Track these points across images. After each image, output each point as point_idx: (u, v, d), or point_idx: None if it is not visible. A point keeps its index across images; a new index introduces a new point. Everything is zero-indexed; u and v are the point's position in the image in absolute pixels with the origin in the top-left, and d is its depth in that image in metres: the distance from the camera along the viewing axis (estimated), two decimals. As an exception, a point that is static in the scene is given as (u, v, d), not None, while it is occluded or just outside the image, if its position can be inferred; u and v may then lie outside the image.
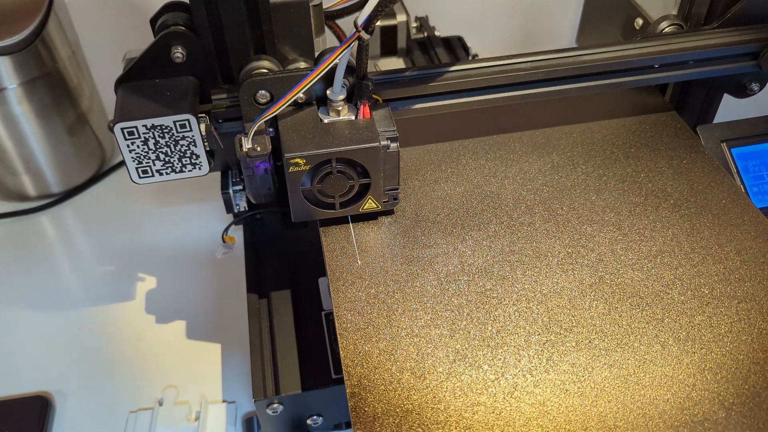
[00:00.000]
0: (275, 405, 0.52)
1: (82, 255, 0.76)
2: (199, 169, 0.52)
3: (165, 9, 0.53)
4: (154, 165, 0.51)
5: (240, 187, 0.60)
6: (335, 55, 0.47)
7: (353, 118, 0.50)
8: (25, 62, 0.71)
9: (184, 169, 0.52)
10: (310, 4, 0.55)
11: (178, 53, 0.50)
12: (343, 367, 0.44)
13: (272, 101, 0.50)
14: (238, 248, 0.66)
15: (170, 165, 0.52)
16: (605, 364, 0.43)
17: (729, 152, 0.60)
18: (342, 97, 0.50)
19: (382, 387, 0.42)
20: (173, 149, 0.51)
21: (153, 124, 0.49)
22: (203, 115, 0.51)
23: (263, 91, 0.50)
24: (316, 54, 0.56)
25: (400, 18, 0.80)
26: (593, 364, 0.43)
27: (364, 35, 0.46)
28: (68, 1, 0.78)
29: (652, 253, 0.50)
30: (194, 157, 0.51)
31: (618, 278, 0.48)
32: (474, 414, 0.41)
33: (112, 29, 0.83)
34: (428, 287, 0.48)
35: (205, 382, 0.62)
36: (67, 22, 0.76)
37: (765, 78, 0.60)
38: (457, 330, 0.45)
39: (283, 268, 0.61)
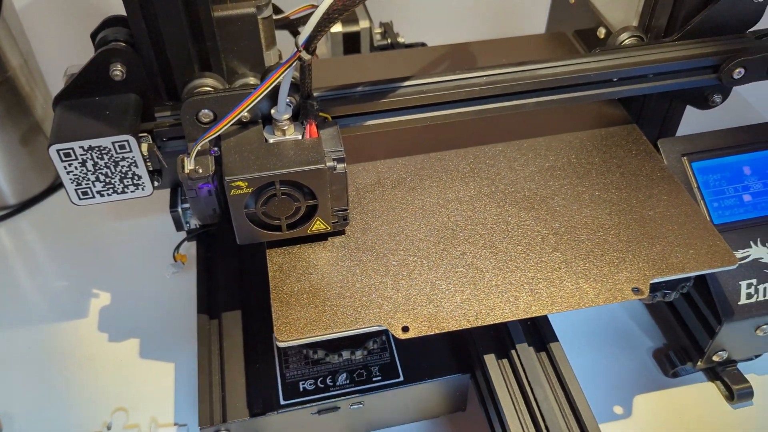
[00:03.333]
0: None
1: (36, 269, 0.74)
2: (142, 189, 0.51)
3: (105, 24, 0.51)
4: (94, 186, 0.50)
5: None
6: (276, 75, 0.45)
7: (299, 137, 0.49)
8: (-27, 72, 0.68)
9: (126, 190, 0.50)
10: (259, 17, 0.53)
11: (117, 71, 0.49)
12: (267, 256, 0.50)
13: (216, 120, 0.49)
14: (194, 262, 0.65)
15: (111, 186, 0.50)
16: (491, 252, 0.51)
17: (689, 166, 0.59)
18: (287, 116, 0.48)
19: (300, 271, 0.49)
20: (113, 170, 0.49)
21: (90, 146, 0.47)
22: (145, 134, 0.50)
23: (206, 111, 0.48)
24: (266, 65, 0.54)
25: (363, 24, 0.79)
26: (480, 252, 0.51)
27: (305, 55, 0.44)
28: (19, 9, 0.76)
29: (545, 167, 0.57)
30: (136, 177, 0.50)
31: (511, 187, 0.56)
32: (376, 290, 0.48)
33: (66, 37, 0.81)
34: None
35: (156, 404, 0.60)
36: (18, 30, 0.74)
37: (727, 90, 0.59)
38: (368, 229, 0.52)
39: (236, 286, 0.60)
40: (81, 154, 0.47)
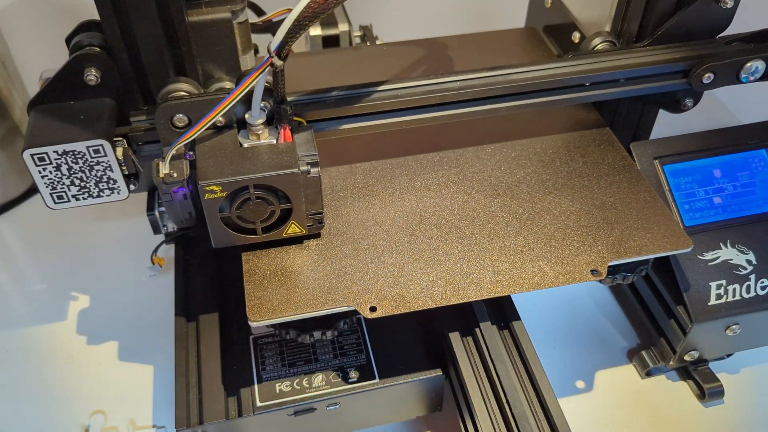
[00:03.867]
0: (199, 433, 0.52)
1: (15, 272, 0.74)
2: (118, 193, 0.51)
3: (79, 29, 0.51)
4: (69, 190, 0.50)
5: (166, 208, 0.59)
6: (249, 81, 0.46)
7: (274, 141, 0.49)
8: (-51, 75, 0.68)
9: (101, 194, 0.51)
10: (234, 22, 0.54)
11: (92, 75, 0.49)
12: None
13: (190, 125, 0.49)
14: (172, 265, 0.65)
15: (86, 190, 0.50)
16: (457, 236, 0.53)
17: (661, 169, 0.60)
18: (261, 121, 0.49)
19: (272, 255, 0.51)
20: (88, 174, 0.49)
21: (65, 150, 0.47)
22: (120, 138, 0.50)
23: (181, 115, 0.49)
24: (242, 69, 0.54)
25: (342, 27, 0.79)
26: (446, 237, 0.53)
27: (277, 61, 0.45)
28: (-3, 10, 0.75)
29: (511, 156, 0.59)
30: (111, 181, 0.50)
31: (478, 175, 0.57)
32: (345, 273, 0.50)
33: (44, 38, 0.80)
34: None
35: (134, 406, 0.61)
36: (-5, 33, 0.74)
37: (698, 94, 0.60)
38: (339, 215, 0.54)
39: (214, 289, 0.60)
40: (55, 159, 0.48)
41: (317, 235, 0.53)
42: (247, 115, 0.49)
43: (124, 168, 0.50)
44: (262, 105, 0.48)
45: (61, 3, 0.84)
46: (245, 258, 0.51)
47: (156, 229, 0.59)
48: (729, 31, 0.59)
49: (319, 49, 0.78)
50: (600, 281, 0.52)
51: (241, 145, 0.49)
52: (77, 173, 0.49)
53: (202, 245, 0.64)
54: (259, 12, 0.68)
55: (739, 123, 0.86)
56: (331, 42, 0.79)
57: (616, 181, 0.57)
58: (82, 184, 0.49)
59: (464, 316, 0.56)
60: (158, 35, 0.49)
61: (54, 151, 0.47)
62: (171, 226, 0.60)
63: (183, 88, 0.50)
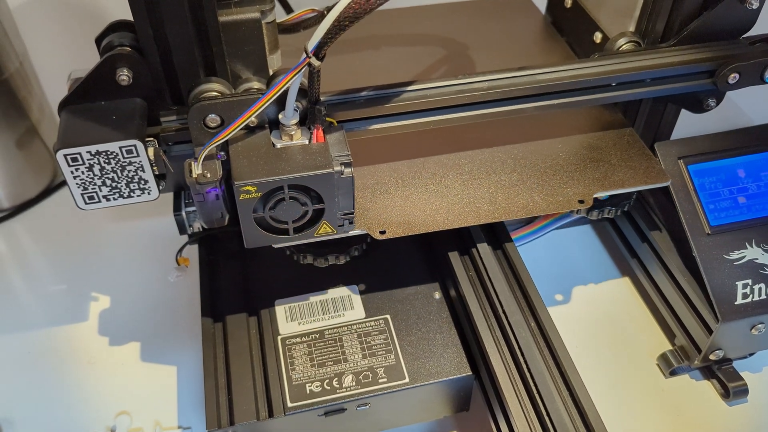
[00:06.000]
0: (230, 434, 0.51)
1: (33, 273, 0.73)
2: (148, 193, 0.51)
3: (110, 29, 0.51)
4: (101, 191, 0.50)
5: (193, 208, 0.58)
6: (285, 81, 0.45)
7: (306, 142, 0.49)
8: (-31, 75, 0.68)
9: (132, 194, 0.50)
10: (263, 22, 0.54)
11: (124, 76, 0.49)
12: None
13: (223, 125, 0.49)
14: (196, 266, 0.65)
15: (117, 190, 0.50)
16: (457, 173, 0.58)
17: (686, 169, 0.60)
18: (294, 121, 0.49)
19: None
20: (120, 175, 0.49)
21: (98, 150, 0.47)
22: (151, 138, 0.50)
23: (213, 115, 0.49)
24: (271, 72, 0.54)
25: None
26: (448, 173, 0.58)
27: (315, 62, 0.45)
28: (15, 11, 0.75)
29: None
30: (142, 182, 0.50)
31: (480, 136, 0.61)
32: (357, 204, 0.54)
33: (61, 40, 0.80)
34: None
35: (159, 407, 0.60)
36: (14, 33, 0.73)
37: (721, 94, 0.60)
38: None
39: (240, 289, 0.60)
40: (88, 159, 0.47)
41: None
42: (280, 116, 0.49)
43: (155, 168, 0.50)
44: (295, 105, 0.48)
45: (78, 3, 0.83)
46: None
47: (182, 230, 0.59)
48: (753, 31, 0.59)
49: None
50: (587, 214, 0.61)
51: (274, 145, 0.49)
52: (109, 174, 0.49)
53: (227, 245, 0.64)
54: (288, 9, 0.68)
55: (751, 123, 0.86)
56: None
57: (602, 127, 0.62)
58: (114, 184, 0.49)
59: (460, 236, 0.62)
60: (190, 35, 0.49)
61: (87, 152, 0.47)
62: (196, 227, 0.60)
63: (215, 88, 0.50)
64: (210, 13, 0.48)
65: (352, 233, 0.52)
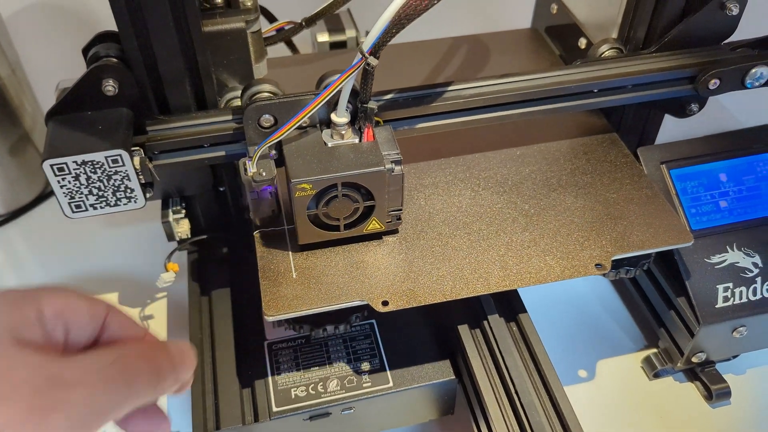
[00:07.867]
0: (216, 438, 0.52)
1: (27, 279, 0.74)
2: (135, 202, 0.52)
3: (97, 39, 0.52)
4: (87, 200, 0.50)
5: (181, 215, 0.59)
6: (340, 81, 0.47)
7: (357, 141, 0.50)
8: (-39, 83, 0.69)
9: (119, 203, 0.51)
10: (248, 31, 0.54)
11: (110, 86, 0.49)
12: (255, 239, 0.53)
13: (276, 125, 0.50)
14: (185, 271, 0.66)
15: (104, 199, 0.51)
16: (465, 232, 0.54)
17: (668, 174, 0.61)
18: (346, 120, 0.50)
19: (286, 252, 0.52)
20: (106, 184, 0.50)
21: (84, 160, 0.48)
22: (137, 148, 0.50)
23: (267, 116, 0.49)
24: (255, 77, 0.55)
25: (350, 33, 0.80)
26: (455, 233, 0.54)
27: (372, 61, 0.46)
28: (7, 19, 0.76)
29: (516, 155, 0.61)
30: (129, 191, 0.51)
31: (485, 173, 0.59)
32: (357, 269, 0.51)
33: (54, 48, 0.81)
34: None
35: (149, 411, 0.61)
36: (6, 41, 0.74)
37: (703, 99, 0.61)
38: None
39: (227, 295, 0.61)
40: (74, 169, 0.48)
41: (395, 231, 0.54)
42: (332, 116, 0.50)
43: (141, 177, 0.50)
44: (346, 105, 0.49)
45: (71, 11, 0.84)
46: (260, 254, 0.52)
47: (170, 237, 0.60)
48: (734, 37, 0.60)
49: (326, 51, 0.79)
50: (604, 275, 0.53)
51: (325, 144, 0.50)
52: (95, 183, 0.49)
53: (215, 251, 0.64)
54: (271, 19, 0.69)
55: (741, 126, 0.87)
56: (338, 47, 0.80)
57: (618, 178, 0.58)
58: (100, 193, 0.50)
59: (473, 311, 0.57)
60: (175, 46, 0.50)
61: (73, 161, 0.48)
62: (184, 233, 0.61)
63: (266, 89, 0.51)
64: (194, 23, 0.49)
65: (352, 304, 0.49)
